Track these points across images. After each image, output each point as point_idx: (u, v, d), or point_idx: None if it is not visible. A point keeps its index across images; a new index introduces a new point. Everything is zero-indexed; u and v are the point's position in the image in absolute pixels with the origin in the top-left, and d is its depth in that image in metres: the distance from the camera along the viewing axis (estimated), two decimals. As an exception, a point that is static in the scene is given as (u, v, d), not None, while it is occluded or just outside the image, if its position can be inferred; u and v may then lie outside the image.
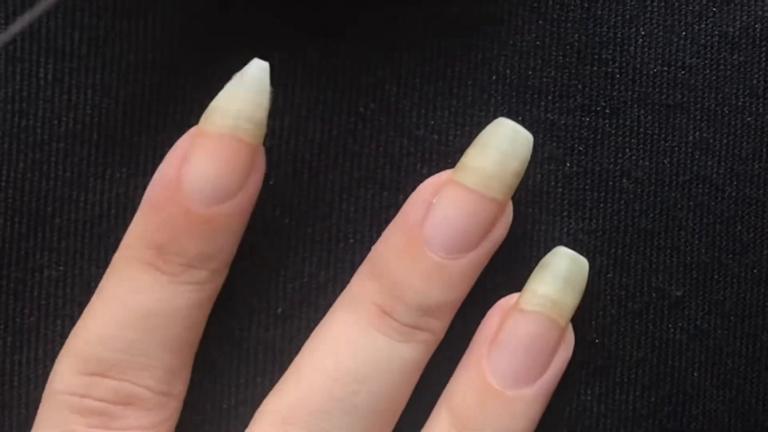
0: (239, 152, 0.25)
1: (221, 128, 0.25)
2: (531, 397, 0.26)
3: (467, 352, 0.27)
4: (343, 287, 0.27)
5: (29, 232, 0.27)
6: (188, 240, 0.25)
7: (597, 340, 0.28)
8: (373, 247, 0.27)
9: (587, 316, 0.28)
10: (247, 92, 0.25)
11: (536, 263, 0.27)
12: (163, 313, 0.25)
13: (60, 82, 0.27)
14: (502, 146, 0.26)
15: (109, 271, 0.26)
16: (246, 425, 0.27)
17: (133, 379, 0.25)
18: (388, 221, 0.27)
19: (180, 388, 0.26)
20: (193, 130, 0.26)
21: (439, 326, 0.27)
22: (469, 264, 0.26)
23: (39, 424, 0.26)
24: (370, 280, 0.26)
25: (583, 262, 0.27)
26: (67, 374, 0.26)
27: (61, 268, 0.27)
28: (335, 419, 0.25)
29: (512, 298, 0.27)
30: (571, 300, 0.27)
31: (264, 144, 0.26)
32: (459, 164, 0.27)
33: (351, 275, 0.27)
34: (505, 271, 0.28)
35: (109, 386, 0.25)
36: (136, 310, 0.25)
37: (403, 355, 0.26)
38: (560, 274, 0.27)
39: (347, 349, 0.26)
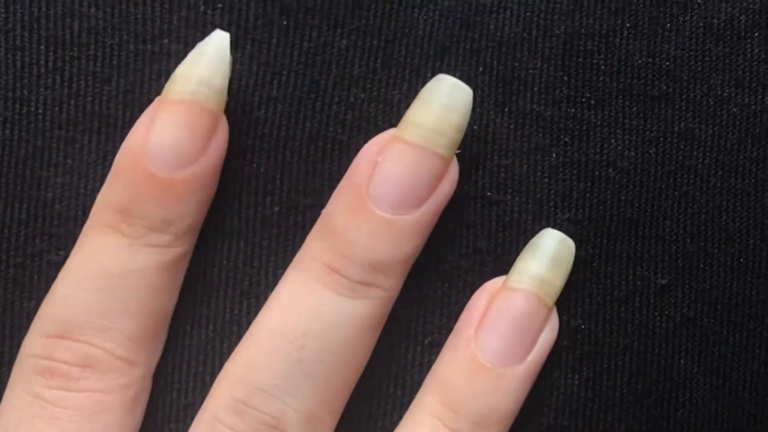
0: (199, 118, 0.26)
1: (182, 95, 0.26)
2: (518, 375, 0.27)
3: (453, 333, 0.28)
4: (332, 273, 0.28)
5: (29, 218, 0.28)
6: (150, 204, 0.26)
7: (583, 326, 0.28)
8: (324, 208, 0.27)
9: (573, 303, 0.28)
10: (208, 60, 0.26)
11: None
12: (123, 274, 0.26)
13: (61, 70, 0.28)
14: (443, 100, 0.27)
15: (80, 236, 0.27)
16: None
17: (92, 340, 0.26)
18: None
19: (144, 357, 0.27)
20: (158, 98, 0.27)
21: (391, 283, 0.27)
22: (417, 220, 0.27)
23: (9, 387, 0.26)
24: (320, 240, 0.27)
25: (570, 244, 0.28)
26: (33, 337, 0.26)
27: (61, 253, 0.28)
28: (284, 375, 0.26)
29: (498, 281, 0.28)
30: (558, 280, 0.27)
31: (256, 132, 0.27)
32: (402, 121, 0.27)
33: (340, 262, 0.28)
34: (492, 259, 0.28)
35: (69, 347, 0.26)
36: (96, 272, 0.26)
37: (351, 311, 0.26)
38: (548, 254, 0.27)
39: (294, 306, 0.26)
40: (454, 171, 0.27)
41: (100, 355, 0.26)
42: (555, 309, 0.28)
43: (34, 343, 0.26)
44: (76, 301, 0.26)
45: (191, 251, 0.28)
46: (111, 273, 0.26)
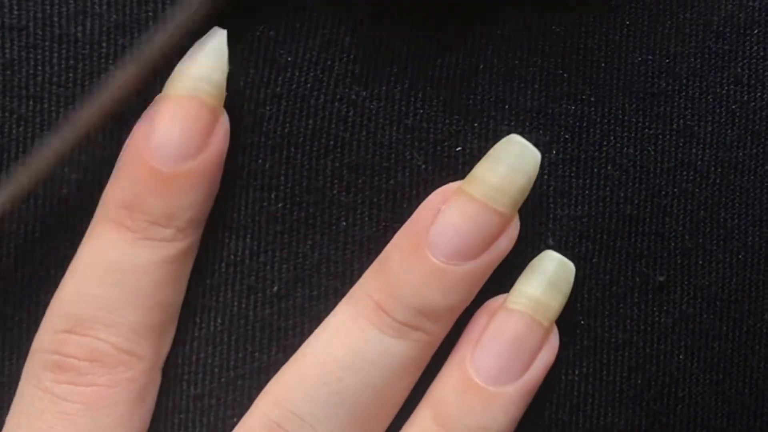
0: (199, 113, 0.27)
1: (181, 90, 0.27)
2: (511, 394, 0.27)
3: (453, 350, 0.28)
4: (335, 268, 0.29)
5: (44, 215, 0.28)
6: (153, 198, 0.27)
7: (583, 322, 0.29)
8: (384, 249, 0.28)
9: (573, 300, 0.28)
10: (206, 56, 0.27)
11: (523, 249, 0.28)
12: (128, 268, 0.27)
13: (74, 68, 0.28)
14: (511, 161, 0.27)
15: (87, 231, 0.28)
16: (244, 399, 0.28)
17: (98, 334, 0.27)
18: (377, 205, 0.29)
19: (146, 348, 0.27)
20: (160, 94, 0.27)
21: (435, 329, 0.28)
22: (469, 271, 0.27)
23: (21, 382, 0.27)
24: (374, 277, 0.28)
25: (569, 267, 0.28)
26: (43, 333, 0.27)
27: (76, 248, 0.28)
28: (320, 404, 0.27)
29: (500, 298, 0.28)
30: (555, 302, 0.28)
31: (261, 128, 0.27)
32: (469, 175, 0.28)
33: (343, 256, 0.29)
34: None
35: (78, 342, 0.27)
36: (102, 266, 0.27)
37: (394, 351, 0.27)
38: (546, 277, 0.28)
39: (338, 338, 0.27)
40: (513, 229, 0.28)
41: (107, 349, 0.27)
42: (555, 330, 0.28)
43: (44, 338, 0.27)
44: (84, 296, 0.27)
45: (197, 245, 0.28)
46: (117, 268, 0.27)
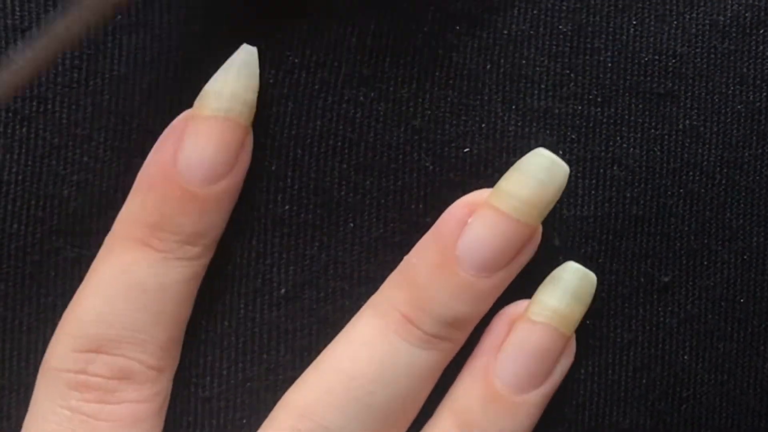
0: (232, 133, 0.27)
1: (215, 111, 0.27)
2: (533, 401, 0.28)
3: (473, 356, 0.28)
4: (342, 269, 0.29)
5: (46, 216, 0.28)
6: (183, 218, 0.27)
7: (588, 322, 0.29)
8: (405, 257, 0.28)
9: (579, 300, 0.29)
10: (238, 76, 0.27)
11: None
12: (156, 288, 0.27)
13: (78, 69, 0.28)
14: (540, 175, 0.27)
15: (102, 250, 0.27)
16: (252, 401, 0.28)
17: (127, 353, 0.27)
18: (385, 207, 0.29)
19: (171, 362, 0.28)
20: (187, 113, 0.27)
21: (460, 336, 0.28)
22: (496, 282, 0.28)
23: (37, 401, 0.27)
24: (400, 289, 0.28)
25: (591, 278, 0.28)
26: (62, 351, 0.27)
27: (77, 250, 0.28)
28: (350, 417, 0.27)
29: (519, 305, 0.28)
30: (578, 314, 0.28)
31: (268, 130, 0.27)
32: (496, 188, 0.28)
33: (350, 258, 0.29)
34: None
35: (105, 362, 0.26)
36: (129, 287, 0.27)
37: (421, 362, 0.27)
38: (570, 289, 0.28)
39: (366, 351, 0.27)
40: (537, 238, 0.28)
41: (137, 367, 0.27)
42: (573, 335, 0.28)
43: (65, 357, 0.27)
44: (108, 316, 0.27)
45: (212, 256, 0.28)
46: (144, 287, 0.27)
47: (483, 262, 0.27)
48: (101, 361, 0.27)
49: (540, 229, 0.28)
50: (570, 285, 0.28)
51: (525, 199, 0.27)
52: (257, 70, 0.27)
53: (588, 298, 0.28)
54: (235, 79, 0.27)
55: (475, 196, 0.28)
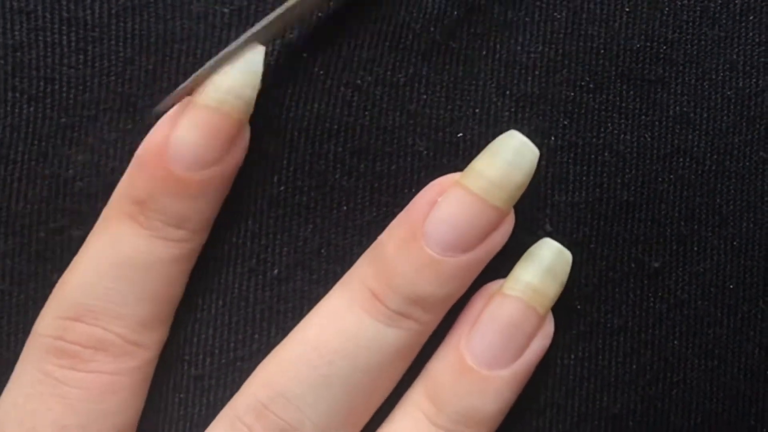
0: (223, 125, 0.27)
1: (210, 101, 0.27)
2: (504, 378, 0.27)
3: (450, 331, 0.28)
4: (335, 252, 0.29)
5: (51, 195, 0.29)
6: (167, 199, 0.27)
7: (579, 307, 0.29)
8: (379, 236, 0.28)
9: (570, 285, 0.29)
10: (240, 71, 0.27)
11: (520, 235, 0.29)
12: (140, 264, 0.27)
13: (84, 50, 0.29)
14: (509, 157, 0.27)
15: (97, 222, 0.28)
16: (243, 380, 0.28)
17: (105, 325, 0.27)
18: (378, 190, 0.29)
19: (152, 339, 0.28)
20: (186, 99, 0.28)
21: (427, 318, 0.28)
22: (463, 264, 0.28)
23: (20, 362, 0.28)
24: (368, 265, 0.28)
25: (567, 255, 0.28)
26: (47, 317, 0.27)
27: (82, 228, 0.29)
28: (309, 387, 0.27)
29: (498, 283, 0.28)
30: (551, 290, 0.28)
31: (265, 112, 0.28)
32: (467, 168, 0.28)
33: (343, 240, 0.29)
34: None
35: (83, 330, 0.27)
36: (114, 259, 0.27)
37: (385, 338, 0.27)
38: (543, 265, 0.28)
39: (331, 323, 0.27)
40: (508, 224, 0.28)
41: (114, 340, 0.27)
42: (550, 317, 0.28)
43: (47, 323, 0.27)
44: (93, 287, 0.27)
45: (204, 241, 0.29)
46: (130, 262, 0.27)
47: (448, 240, 0.27)
48: (79, 330, 0.27)
49: (512, 215, 0.28)
50: (544, 260, 0.28)
51: (493, 179, 0.27)
52: (260, 69, 0.27)
53: (563, 275, 0.28)
54: (237, 74, 0.27)
55: (449, 178, 0.28)
